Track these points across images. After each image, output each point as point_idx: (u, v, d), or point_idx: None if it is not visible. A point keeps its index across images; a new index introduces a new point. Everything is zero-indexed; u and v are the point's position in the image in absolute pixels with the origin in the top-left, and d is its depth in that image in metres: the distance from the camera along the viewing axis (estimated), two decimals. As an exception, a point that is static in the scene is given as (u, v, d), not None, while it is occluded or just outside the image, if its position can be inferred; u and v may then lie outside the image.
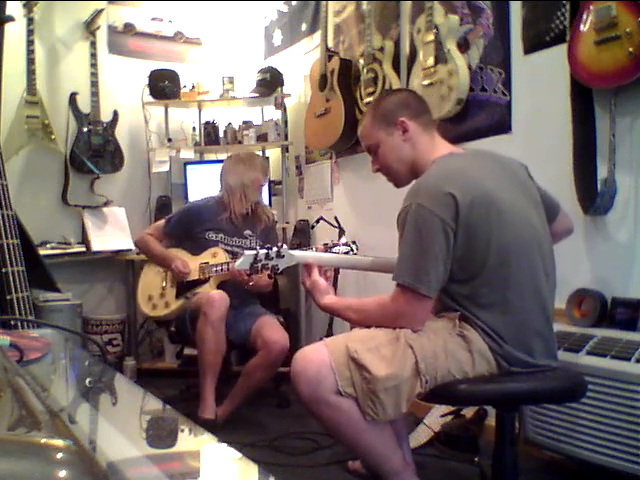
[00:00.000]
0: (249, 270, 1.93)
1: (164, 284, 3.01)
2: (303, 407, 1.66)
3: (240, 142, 4.06)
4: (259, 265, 1.91)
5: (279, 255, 1.92)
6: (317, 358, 1.61)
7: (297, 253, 1.96)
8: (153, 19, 4.28)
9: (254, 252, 1.91)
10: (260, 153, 4.11)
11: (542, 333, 1.66)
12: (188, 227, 3.03)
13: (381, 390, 1.54)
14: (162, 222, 3.13)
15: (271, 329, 2.79)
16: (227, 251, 2.95)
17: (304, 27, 3.98)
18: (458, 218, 1.56)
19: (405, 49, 3.14)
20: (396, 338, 1.60)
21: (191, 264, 2.95)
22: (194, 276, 2.93)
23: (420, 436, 2.50)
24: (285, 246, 1.94)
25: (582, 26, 2.08)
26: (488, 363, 1.61)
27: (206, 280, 2.90)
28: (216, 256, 2.93)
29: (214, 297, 2.70)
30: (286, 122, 3.99)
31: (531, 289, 1.64)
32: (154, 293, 3.04)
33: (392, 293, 1.65)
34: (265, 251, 1.91)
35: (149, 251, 3.10)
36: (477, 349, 1.60)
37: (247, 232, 3.02)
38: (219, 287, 2.87)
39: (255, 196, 3.02)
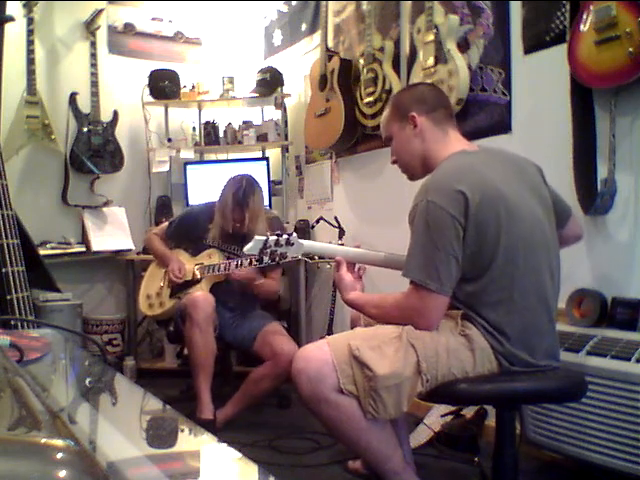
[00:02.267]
0: (258, 255, 1.93)
1: (162, 283, 3.03)
2: (304, 405, 1.66)
3: (240, 142, 4.06)
4: (268, 251, 1.91)
5: (289, 243, 1.91)
6: (319, 356, 1.62)
7: (306, 243, 1.95)
8: (153, 19, 4.28)
9: (264, 237, 1.90)
10: (260, 153, 4.12)
11: (545, 333, 1.67)
12: (186, 231, 3.06)
13: (382, 388, 1.54)
14: (165, 224, 3.18)
15: (281, 339, 2.77)
16: (224, 256, 2.95)
17: (304, 27, 3.98)
18: (468, 215, 1.57)
19: (405, 49, 3.14)
20: (398, 337, 1.61)
21: (187, 265, 2.97)
22: (188, 277, 2.94)
23: (420, 436, 2.50)
24: (295, 234, 1.93)
25: (582, 26, 2.08)
26: (490, 362, 1.62)
27: (199, 281, 2.90)
28: (211, 257, 2.94)
29: (198, 298, 2.69)
30: (286, 122, 3.99)
31: (535, 288, 1.65)
32: (152, 292, 3.06)
33: (406, 290, 1.65)
34: (275, 237, 1.90)
35: (152, 249, 3.15)
36: (479, 347, 1.60)
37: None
38: (213, 288, 2.87)
39: (227, 227, 2.90)
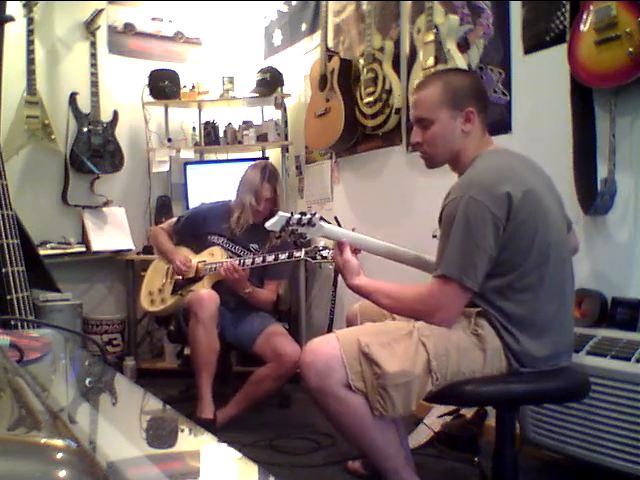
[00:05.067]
0: (279, 232, 1.88)
1: (164, 280, 3.02)
2: (310, 398, 1.66)
3: (240, 142, 4.06)
4: (290, 229, 1.86)
5: (310, 223, 1.85)
6: (328, 350, 1.61)
7: (327, 226, 1.89)
8: (153, 19, 4.28)
9: (288, 214, 1.86)
10: (260, 153, 4.11)
11: (566, 331, 1.68)
12: (194, 229, 3.05)
13: (391, 386, 1.54)
14: (174, 219, 3.18)
15: (283, 341, 2.76)
16: (227, 254, 2.94)
17: (304, 27, 3.98)
18: (510, 216, 1.56)
19: (405, 49, 3.14)
20: (409, 334, 1.60)
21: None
22: (190, 273, 2.94)
23: (420, 436, 2.50)
24: (318, 215, 1.88)
25: (582, 26, 2.08)
26: (500, 362, 1.62)
27: (201, 278, 2.90)
28: (214, 255, 2.93)
29: (203, 296, 2.69)
30: (286, 122, 3.99)
31: (560, 290, 1.66)
32: (154, 288, 3.06)
33: (432, 284, 1.63)
34: (299, 216, 1.85)
35: (156, 244, 3.16)
36: (490, 347, 1.60)
37: (253, 245, 2.96)
38: (215, 287, 2.86)
39: (248, 219, 2.93)
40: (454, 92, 1.72)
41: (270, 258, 2.67)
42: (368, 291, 1.78)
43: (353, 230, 1.94)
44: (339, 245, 1.84)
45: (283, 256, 2.61)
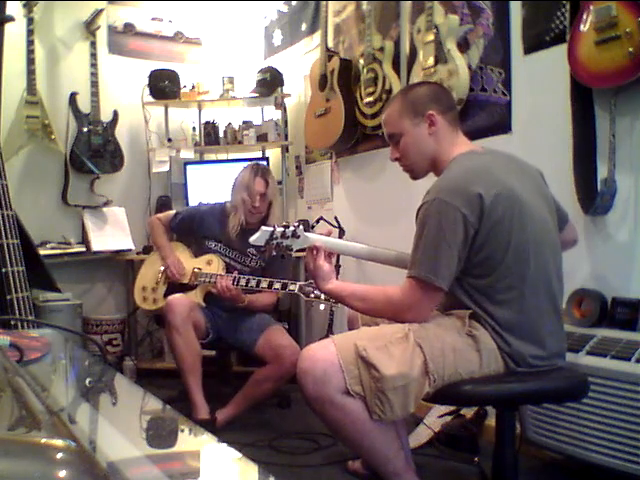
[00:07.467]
0: (263, 247, 1.91)
1: (158, 280, 3.01)
2: (308, 406, 1.66)
3: (240, 142, 4.06)
4: (274, 243, 1.89)
5: (295, 235, 1.88)
6: (325, 356, 1.61)
7: (312, 236, 1.92)
8: (153, 19, 4.28)
9: (271, 228, 1.89)
10: (260, 153, 4.11)
11: (554, 332, 1.68)
12: (190, 229, 3.04)
13: (390, 389, 1.54)
14: (172, 214, 3.13)
15: (283, 341, 2.76)
16: (224, 262, 2.92)
17: (304, 27, 3.98)
18: (482, 217, 1.57)
19: (405, 49, 3.14)
20: (405, 337, 1.60)
21: (186, 265, 2.94)
22: (184, 279, 2.91)
23: (420, 436, 2.50)
24: (302, 227, 1.91)
25: (582, 26, 2.08)
26: (496, 362, 1.62)
27: (194, 287, 2.88)
28: (210, 264, 2.91)
29: (172, 302, 2.67)
30: (286, 122, 4.00)
31: (545, 288, 1.66)
32: (148, 285, 3.04)
33: (404, 284, 1.65)
34: (282, 229, 1.88)
35: (153, 237, 3.14)
36: (485, 348, 1.61)
37: (250, 250, 2.93)
38: (209, 294, 2.85)
39: (245, 218, 2.90)
40: (412, 102, 1.79)
41: (264, 284, 2.65)
42: (340, 295, 1.81)
43: (330, 234, 1.96)
44: (313, 250, 1.85)
45: (277, 285, 2.60)
